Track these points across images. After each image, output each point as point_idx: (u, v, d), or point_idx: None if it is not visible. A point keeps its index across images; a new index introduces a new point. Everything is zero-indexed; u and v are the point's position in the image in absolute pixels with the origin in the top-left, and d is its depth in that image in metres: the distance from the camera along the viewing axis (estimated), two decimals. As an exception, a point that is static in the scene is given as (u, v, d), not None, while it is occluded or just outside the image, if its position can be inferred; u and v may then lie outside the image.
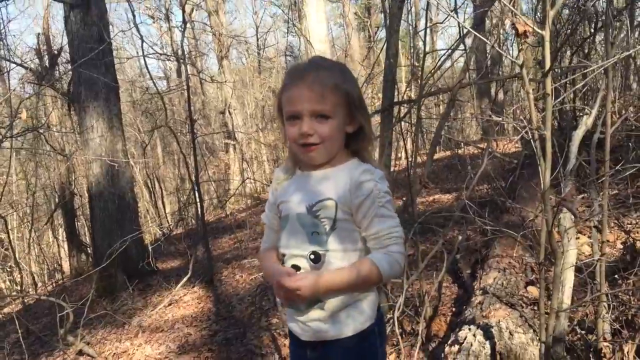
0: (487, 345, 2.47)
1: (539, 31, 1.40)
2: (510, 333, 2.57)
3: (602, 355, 2.41)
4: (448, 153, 11.77)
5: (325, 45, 12.05)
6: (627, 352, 2.28)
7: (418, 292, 3.77)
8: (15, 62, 7.47)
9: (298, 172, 1.56)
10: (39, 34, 10.37)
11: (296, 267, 1.48)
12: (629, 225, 4.14)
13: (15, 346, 6.06)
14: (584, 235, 4.24)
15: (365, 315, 1.48)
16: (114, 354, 5.34)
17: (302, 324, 1.49)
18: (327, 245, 1.44)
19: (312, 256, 1.45)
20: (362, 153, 1.50)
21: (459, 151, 9.93)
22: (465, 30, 3.64)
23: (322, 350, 1.49)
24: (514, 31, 1.42)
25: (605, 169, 2.27)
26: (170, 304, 6.32)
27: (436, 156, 12.72)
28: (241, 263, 7.24)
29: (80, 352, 5.40)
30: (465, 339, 2.55)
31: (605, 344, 2.41)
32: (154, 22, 21.10)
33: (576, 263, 3.06)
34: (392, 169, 3.81)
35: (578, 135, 2.59)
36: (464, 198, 3.74)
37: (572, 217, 2.44)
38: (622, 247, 3.51)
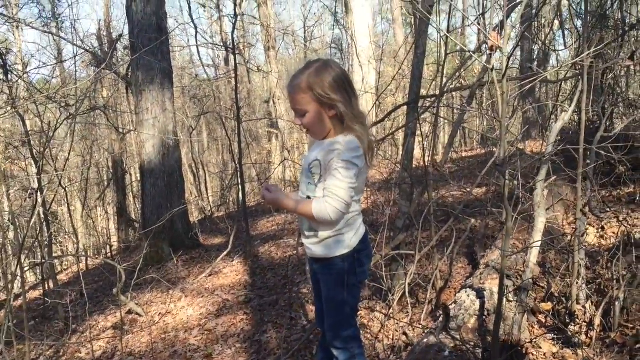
0: (477, 303, 2.90)
1: (500, 46, 1.82)
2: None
3: (576, 316, 2.82)
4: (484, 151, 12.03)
5: (369, 39, 12.43)
6: (593, 314, 2.68)
7: (432, 269, 4.20)
8: (84, 48, 8.13)
9: (316, 141, 2.12)
10: (99, 20, 11.12)
11: None
12: (636, 220, 4.46)
13: (72, 305, 6.73)
14: (592, 227, 4.60)
15: (345, 245, 2.05)
16: (160, 313, 5.93)
17: (307, 246, 2.13)
18: (315, 192, 2.02)
19: (307, 199, 2.04)
20: (348, 128, 1.99)
21: (494, 149, 10.23)
22: (491, 32, 3.99)
23: (319, 263, 2.13)
24: (487, 45, 1.83)
25: (580, 162, 2.66)
26: (210, 275, 6.88)
27: (472, 153, 12.98)
28: (277, 242, 7.77)
29: (129, 312, 6.00)
30: (461, 298, 3.00)
31: (579, 307, 2.82)
32: (204, 10, 21.77)
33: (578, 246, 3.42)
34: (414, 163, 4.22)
35: (556, 127, 2.97)
36: (469, 192, 4.12)
37: (545, 192, 2.83)
38: (615, 236, 3.86)
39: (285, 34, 17.65)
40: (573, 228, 2.88)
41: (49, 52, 14.44)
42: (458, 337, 2.50)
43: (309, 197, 2.05)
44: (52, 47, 14.84)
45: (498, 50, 1.85)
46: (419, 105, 4.13)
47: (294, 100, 2.00)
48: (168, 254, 7.78)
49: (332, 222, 1.97)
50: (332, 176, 1.93)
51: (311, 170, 2.03)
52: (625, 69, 6.22)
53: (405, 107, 4.22)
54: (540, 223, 3.00)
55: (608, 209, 4.31)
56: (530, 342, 2.67)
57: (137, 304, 6.14)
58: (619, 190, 5.45)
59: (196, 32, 7.43)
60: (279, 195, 2.07)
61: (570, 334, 2.73)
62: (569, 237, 2.82)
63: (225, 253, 7.14)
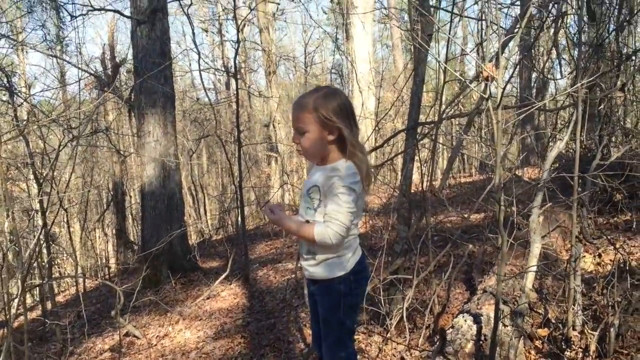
0: (474, 328, 2.94)
1: (496, 76, 1.89)
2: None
3: (572, 342, 2.85)
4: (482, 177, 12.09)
5: (369, 65, 12.59)
6: (589, 340, 2.72)
7: (430, 294, 4.22)
8: (88, 71, 8.25)
9: (315, 166, 2.19)
10: (104, 44, 11.27)
11: None
12: (632, 247, 4.51)
13: (70, 327, 6.72)
14: (590, 254, 4.64)
15: (343, 267, 2.12)
16: (157, 336, 5.92)
17: (305, 268, 2.20)
18: (314, 217, 2.09)
19: (307, 223, 2.11)
20: (347, 153, 2.06)
21: (493, 175, 10.30)
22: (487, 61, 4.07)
23: (316, 284, 2.20)
24: (482, 76, 1.92)
25: (575, 188, 2.72)
26: (208, 298, 6.88)
27: (470, 179, 13.05)
28: (276, 266, 7.78)
29: (127, 334, 5.99)
30: (458, 322, 3.04)
31: (575, 333, 2.86)
32: (206, 35, 22.05)
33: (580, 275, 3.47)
34: (412, 189, 4.29)
35: (551, 156, 3.05)
36: (467, 217, 4.18)
37: (540, 219, 2.89)
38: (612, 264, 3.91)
39: (286, 59, 17.86)
40: (570, 254, 2.93)
41: (52, 74, 14.60)
42: (454, 359, 2.53)
43: (307, 222, 2.11)
44: (56, 69, 15.03)
45: (493, 81, 1.93)
46: (418, 131, 4.20)
47: (298, 118, 2.07)
48: (166, 276, 7.78)
49: (333, 245, 2.03)
50: (333, 202, 1.99)
51: (310, 195, 2.10)
52: (622, 98, 6.32)
53: (404, 133, 4.29)
54: (535, 249, 3.06)
55: (603, 235, 4.36)
56: (526, 366, 2.71)
57: (134, 326, 6.13)
58: (616, 218, 5.50)
59: (199, 57, 7.53)
60: (282, 216, 2.13)
61: (566, 359, 2.76)
62: (565, 264, 2.87)
63: (223, 276, 7.15)
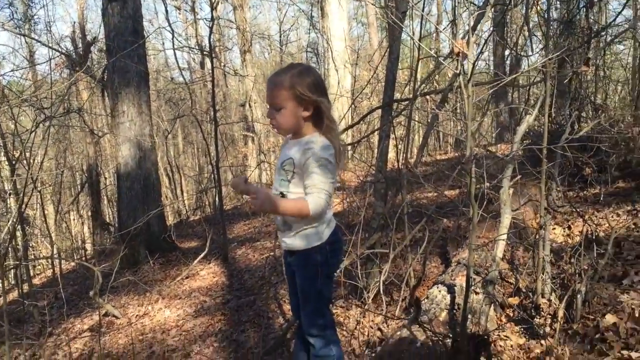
0: (448, 297, 3.04)
1: (467, 52, 1.95)
2: (469, 291, 3.13)
3: (541, 309, 2.98)
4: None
5: (344, 43, 12.57)
6: (557, 307, 2.83)
7: (406, 268, 4.32)
8: (59, 51, 8.10)
9: (289, 140, 2.26)
10: (74, 22, 11.05)
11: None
12: (600, 219, 4.65)
13: (48, 308, 6.70)
14: (560, 226, 4.78)
15: (319, 237, 2.19)
16: (137, 315, 5.95)
17: (282, 240, 2.26)
18: (288, 188, 2.15)
19: (281, 195, 2.16)
20: (322, 127, 2.14)
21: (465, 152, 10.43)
22: (458, 39, 4.12)
23: (294, 255, 2.27)
24: (454, 51, 1.98)
25: (543, 161, 2.81)
26: (187, 277, 6.91)
27: (446, 156, 13.19)
28: (254, 244, 7.82)
29: (106, 314, 6.00)
30: (433, 293, 3.14)
31: (544, 300, 2.98)
32: (179, 13, 21.69)
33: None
34: (388, 166, 4.36)
35: (521, 129, 3.14)
36: (442, 192, 4.25)
37: (510, 191, 2.99)
38: (580, 235, 4.05)
39: (261, 37, 17.71)
40: (539, 224, 3.05)
41: (21, 54, 14.25)
42: (428, 326, 2.62)
43: (282, 193, 2.17)
44: (24, 49, 14.67)
45: (465, 57, 1.98)
46: (393, 108, 4.25)
47: (273, 95, 2.12)
48: (144, 256, 7.77)
49: (323, 213, 2.10)
50: (313, 173, 2.04)
51: (284, 167, 2.16)
52: (592, 74, 6.44)
53: (379, 110, 4.35)
54: (506, 219, 3.16)
55: (572, 207, 4.50)
56: (497, 328, 2.82)
57: (113, 306, 6.14)
58: (585, 191, 5.65)
59: (173, 35, 7.47)
60: (264, 196, 1.99)
61: (535, 326, 2.87)
62: (535, 234, 2.98)
63: (202, 255, 7.18)
